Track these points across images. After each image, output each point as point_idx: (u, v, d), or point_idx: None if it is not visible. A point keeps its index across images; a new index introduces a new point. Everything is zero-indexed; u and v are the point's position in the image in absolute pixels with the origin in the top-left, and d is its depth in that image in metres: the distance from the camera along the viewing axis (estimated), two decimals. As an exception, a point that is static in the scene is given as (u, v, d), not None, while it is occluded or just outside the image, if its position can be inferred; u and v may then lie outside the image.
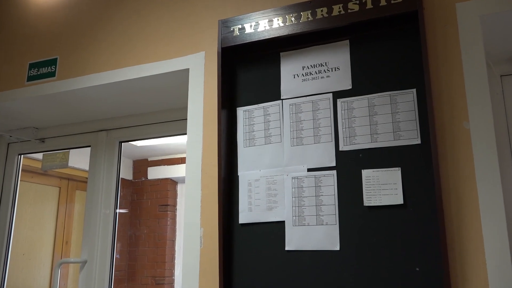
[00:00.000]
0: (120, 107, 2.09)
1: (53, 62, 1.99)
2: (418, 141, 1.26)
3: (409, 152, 1.27)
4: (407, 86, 1.31)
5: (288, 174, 1.40)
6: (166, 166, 4.80)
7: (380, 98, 1.33)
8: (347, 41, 1.41)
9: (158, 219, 4.72)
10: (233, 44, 1.52)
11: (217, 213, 1.44)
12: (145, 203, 4.81)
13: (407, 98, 1.30)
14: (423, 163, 1.24)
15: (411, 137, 1.27)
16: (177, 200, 4.89)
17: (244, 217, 1.43)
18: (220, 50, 1.53)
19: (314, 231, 1.32)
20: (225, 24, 1.55)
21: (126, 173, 4.84)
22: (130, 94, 1.93)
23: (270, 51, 1.51)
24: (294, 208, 1.37)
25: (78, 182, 3.61)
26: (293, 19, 1.44)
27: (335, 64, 1.42)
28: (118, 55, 1.84)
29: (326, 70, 1.43)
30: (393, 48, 1.35)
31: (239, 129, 1.51)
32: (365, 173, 1.30)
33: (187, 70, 1.68)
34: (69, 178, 3.54)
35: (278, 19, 1.47)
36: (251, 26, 1.50)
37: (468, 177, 1.21)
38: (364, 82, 1.37)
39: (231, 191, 1.47)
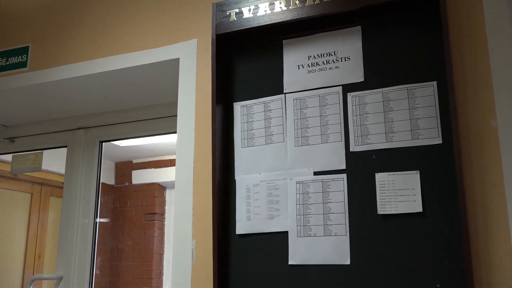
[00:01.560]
0: (100, 102, 2.10)
1: (24, 50, 2.00)
2: (439, 141, 1.27)
3: (429, 153, 1.27)
4: (427, 79, 1.31)
5: (292, 178, 1.41)
6: (153, 169, 4.80)
7: (396, 92, 1.34)
8: (359, 27, 1.42)
9: (144, 229, 4.73)
10: (229, 31, 1.52)
11: (211, 223, 1.45)
12: (129, 211, 4.82)
13: (427, 92, 1.31)
14: (445, 166, 1.25)
15: (431, 136, 1.28)
16: (166, 208, 4.90)
17: (242, 227, 1.43)
18: (214, 38, 1.53)
19: (322, 242, 1.33)
20: (220, 8, 1.55)
21: (108, 177, 4.85)
22: (112, 87, 1.93)
23: (271, 38, 1.52)
24: (298, 216, 1.37)
25: (52, 187, 3.61)
26: (297, 2, 1.45)
27: (345, 54, 1.42)
28: (98, 42, 1.85)
29: (335, 60, 1.43)
30: (411, 35, 1.36)
31: (236, 127, 1.51)
32: (379, 177, 1.31)
33: (177, 60, 1.69)
34: (43, 183, 3.55)
35: (280, 2, 1.47)
36: (249, 10, 1.51)
37: (495, 182, 1.22)
38: (378, 73, 1.37)
39: (227, 197, 1.47)
